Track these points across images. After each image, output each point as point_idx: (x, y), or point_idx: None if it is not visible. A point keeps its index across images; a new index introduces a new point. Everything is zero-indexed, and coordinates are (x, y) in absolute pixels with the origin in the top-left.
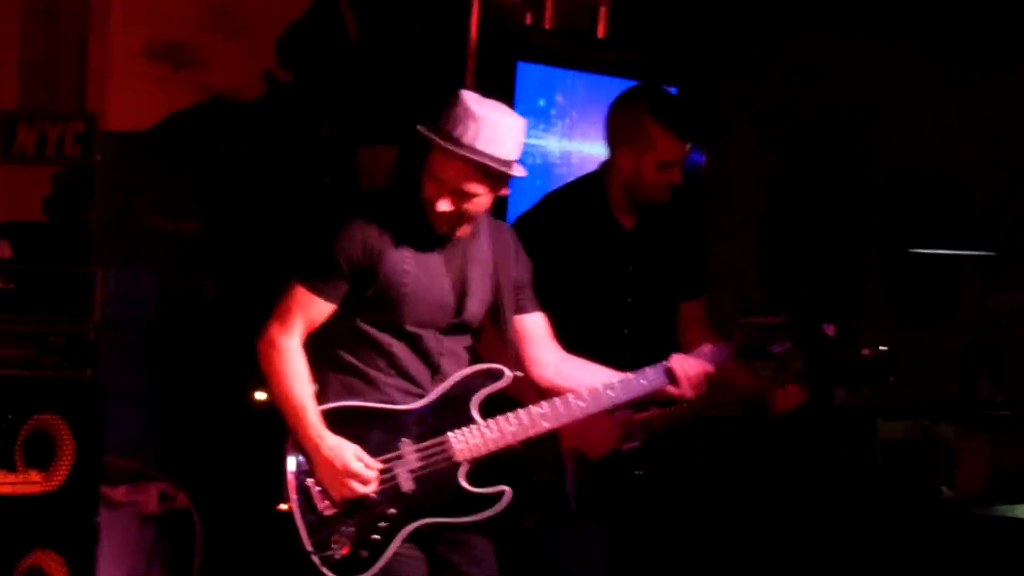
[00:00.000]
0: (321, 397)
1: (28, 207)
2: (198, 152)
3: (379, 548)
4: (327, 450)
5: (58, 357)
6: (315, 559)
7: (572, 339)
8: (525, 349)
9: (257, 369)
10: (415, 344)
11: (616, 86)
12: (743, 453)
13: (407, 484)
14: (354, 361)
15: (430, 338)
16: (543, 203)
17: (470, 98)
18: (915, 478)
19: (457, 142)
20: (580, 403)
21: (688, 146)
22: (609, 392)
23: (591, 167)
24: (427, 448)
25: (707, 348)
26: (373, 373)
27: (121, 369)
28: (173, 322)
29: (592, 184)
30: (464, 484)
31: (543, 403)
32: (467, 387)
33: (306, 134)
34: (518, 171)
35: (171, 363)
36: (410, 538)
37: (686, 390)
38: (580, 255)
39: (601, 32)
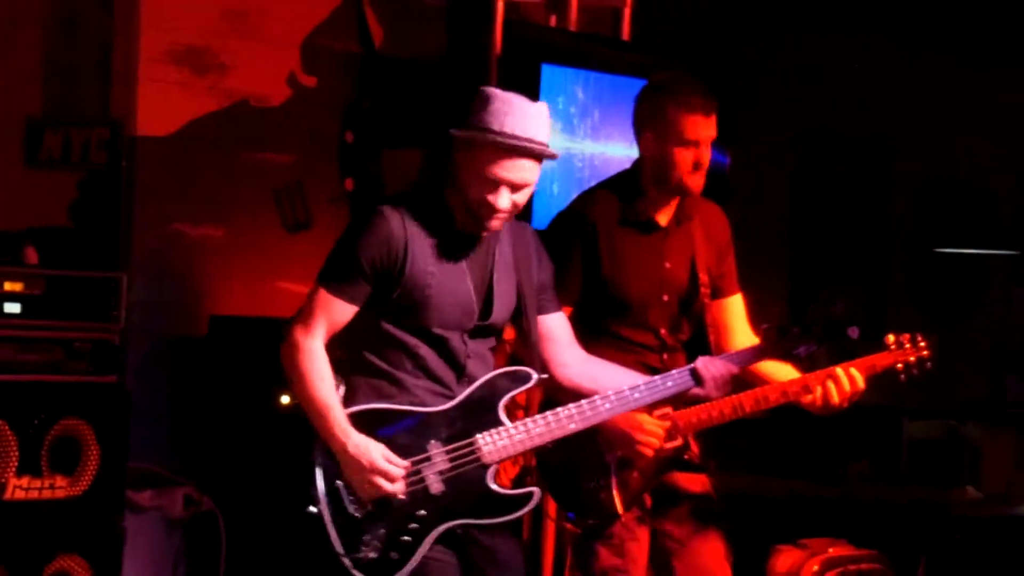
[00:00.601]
0: (349, 399)
1: (54, 213)
2: (223, 157)
3: (409, 549)
4: (353, 448)
5: (84, 363)
6: (346, 561)
7: (606, 337)
8: (548, 350)
9: (282, 374)
10: (441, 346)
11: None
12: (771, 452)
13: (436, 486)
14: (381, 363)
15: (456, 340)
16: (580, 200)
17: (498, 92)
18: (941, 477)
19: (512, 135)
20: (606, 405)
21: (711, 123)
22: (635, 394)
23: (613, 169)
24: (455, 450)
25: (733, 352)
26: (400, 375)
27: (147, 374)
28: (198, 327)
29: (627, 181)
30: (493, 486)
31: (570, 405)
32: (494, 389)
33: (330, 138)
34: (554, 151)
35: (196, 368)
36: (440, 540)
37: (711, 391)
38: (616, 252)
39: (625, 34)
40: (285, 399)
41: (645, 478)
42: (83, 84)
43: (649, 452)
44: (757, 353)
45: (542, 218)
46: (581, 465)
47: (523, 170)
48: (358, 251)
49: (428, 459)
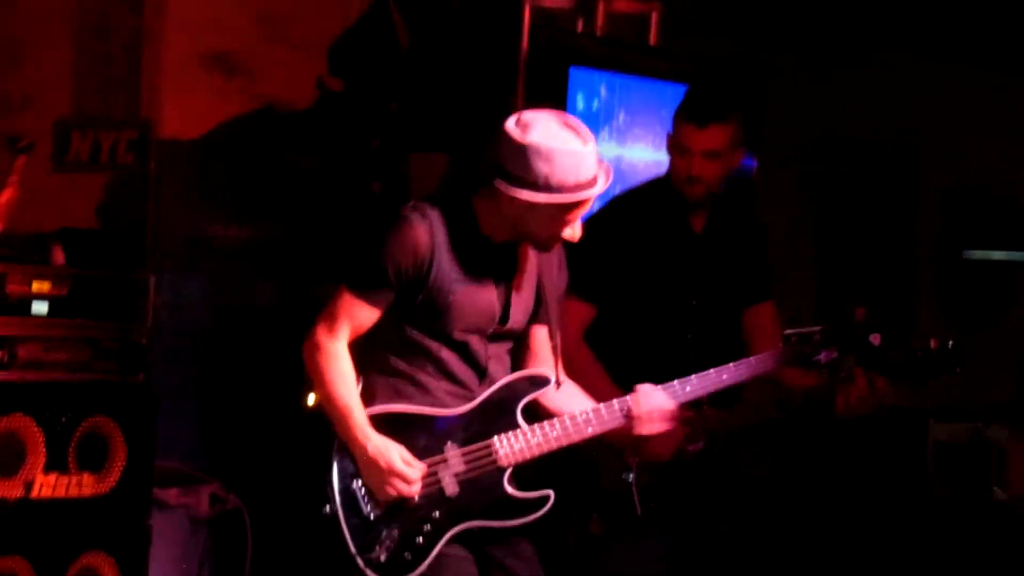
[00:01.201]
0: (367, 400)
1: (82, 214)
2: (250, 160)
3: (423, 551)
4: (373, 450)
5: (111, 362)
6: (359, 561)
7: (634, 340)
8: (528, 359)
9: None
10: (463, 350)
11: (666, 92)
12: (796, 454)
13: (452, 487)
14: (403, 365)
15: (476, 343)
16: (615, 202)
17: (541, 137)
18: (967, 480)
19: (574, 188)
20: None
21: (705, 136)
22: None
23: (639, 173)
24: (472, 452)
25: (753, 359)
26: (422, 377)
27: (173, 374)
28: (225, 328)
29: (663, 186)
30: (509, 489)
31: (588, 409)
32: (513, 392)
33: (357, 142)
34: (601, 186)
35: (223, 368)
36: (456, 539)
37: (640, 426)
38: (648, 256)
39: (652, 39)
40: (312, 398)
41: (663, 477)
42: (112, 87)
43: (666, 455)
44: (777, 360)
45: None
46: (604, 466)
47: (583, 209)
48: (384, 257)
49: (444, 461)
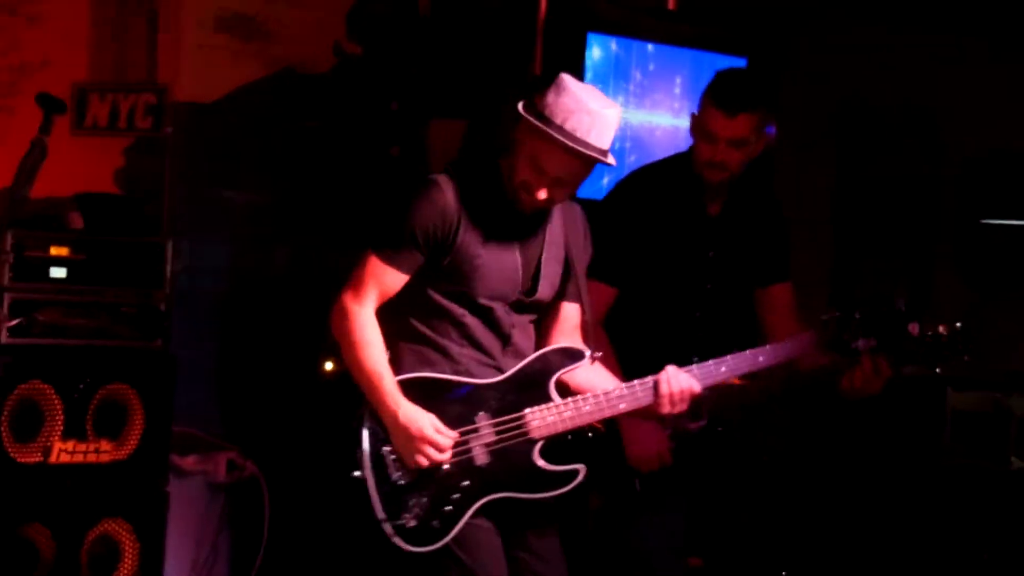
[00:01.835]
0: (394, 366)
1: (100, 179)
2: (268, 124)
3: (451, 519)
4: (404, 418)
5: (130, 327)
6: (386, 527)
7: (644, 317)
8: (554, 333)
9: (326, 339)
10: (487, 316)
11: (684, 57)
12: (812, 423)
13: (482, 458)
14: (427, 331)
15: (501, 311)
16: (633, 179)
17: (577, 87)
18: (985, 449)
19: (572, 136)
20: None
21: (733, 124)
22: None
23: (657, 138)
24: (504, 423)
25: (789, 341)
26: (445, 343)
27: (191, 339)
28: (243, 293)
29: (682, 165)
30: (539, 461)
31: (622, 385)
32: (547, 365)
33: (375, 106)
34: (612, 160)
35: (241, 333)
36: (482, 510)
37: (663, 407)
38: (663, 237)
39: (671, 4)
40: (329, 365)
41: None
42: (129, 50)
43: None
44: (814, 343)
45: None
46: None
47: (572, 170)
48: (412, 221)
49: (476, 430)
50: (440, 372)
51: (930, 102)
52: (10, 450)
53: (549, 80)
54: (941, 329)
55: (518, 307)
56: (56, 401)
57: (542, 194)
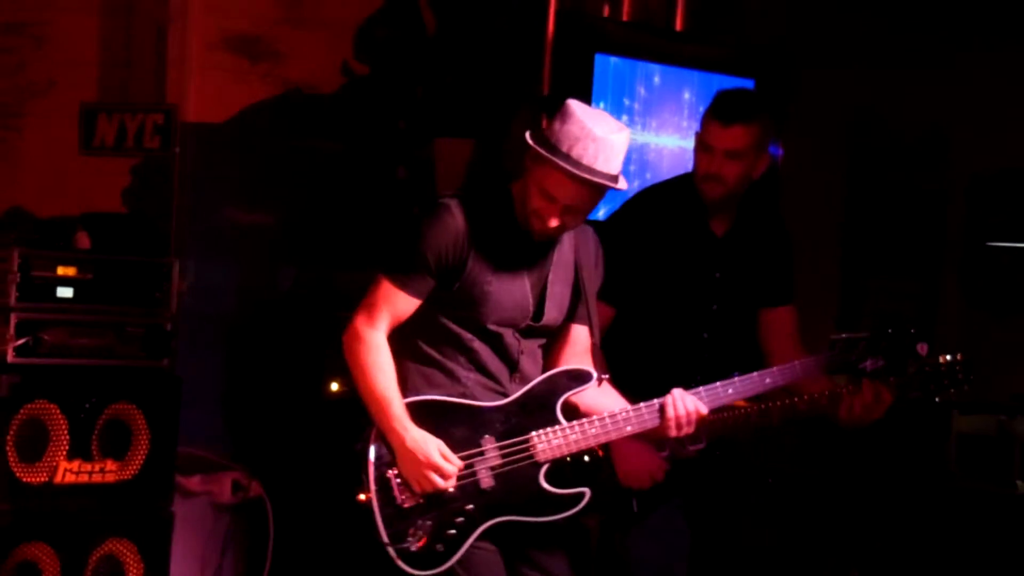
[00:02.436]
0: (401, 387)
1: (107, 198)
2: (275, 144)
3: (455, 543)
4: (411, 442)
5: (136, 347)
6: (391, 551)
7: (650, 339)
8: (562, 356)
9: (332, 361)
10: (496, 342)
11: (693, 78)
12: (817, 445)
13: (487, 481)
14: (435, 354)
15: (509, 337)
16: (638, 200)
17: (584, 113)
18: (990, 473)
19: (577, 163)
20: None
21: (728, 135)
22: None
23: (665, 160)
24: (509, 446)
25: (797, 363)
26: (453, 367)
27: (196, 360)
28: (249, 313)
29: (687, 186)
30: (545, 484)
31: (628, 408)
32: (553, 387)
33: (382, 127)
34: (623, 184)
35: (246, 354)
36: (487, 534)
37: (669, 430)
38: (669, 258)
39: (679, 25)
40: (334, 386)
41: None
42: (138, 70)
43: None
44: (822, 365)
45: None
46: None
47: (581, 197)
48: (424, 245)
49: (481, 454)
50: (446, 394)
51: (940, 121)
52: (16, 470)
53: (557, 101)
54: (942, 359)
55: (527, 332)
56: (62, 421)
57: (554, 222)
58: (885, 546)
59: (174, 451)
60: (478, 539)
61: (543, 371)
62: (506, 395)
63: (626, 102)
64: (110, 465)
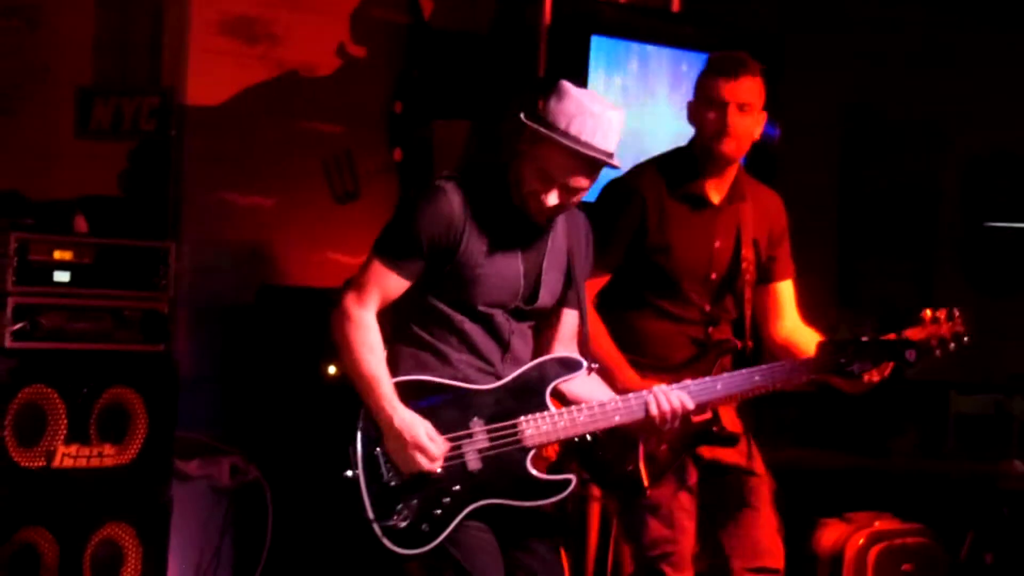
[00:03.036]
0: (392, 369)
1: (104, 182)
2: (272, 126)
3: (440, 523)
4: (400, 422)
5: (133, 331)
6: (376, 528)
7: (650, 309)
8: (551, 340)
9: (330, 344)
10: (487, 323)
11: (688, 59)
12: (817, 425)
13: (474, 463)
14: (426, 336)
15: (500, 318)
16: (632, 174)
17: (578, 92)
18: (988, 452)
19: (576, 139)
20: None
21: (739, 87)
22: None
23: (660, 142)
24: (498, 430)
25: (787, 363)
26: (444, 348)
27: (195, 343)
28: (247, 297)
29: (681, 157)
30: (531, 470)
31: (616, 398)
32: (544, 373)
33: (379, 109)
34: (619, 162)
35: (244, 337)
36: (480, 516)
37: (657, 425)
38: (665, 227)
39: (675, 6)
40: (332, 369)
41: (674, 452)
42: (134, 53)
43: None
44: (811, 368)
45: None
46: (608, 440)
47: (580, 175)
48: (417, 227)
49: (469, 435)
50: (437, 376)
51: (934, 104)
52: (13, 454)
53: (550, 83)
54: (942, 314)
55: (518, 314)
56: (60, 405)
57: (552, 199)
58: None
59: (172, 435)
60: (470, 519)
61: (533, 354)
62: (498, 376)
63: (618, 81)
64: (108, 449)
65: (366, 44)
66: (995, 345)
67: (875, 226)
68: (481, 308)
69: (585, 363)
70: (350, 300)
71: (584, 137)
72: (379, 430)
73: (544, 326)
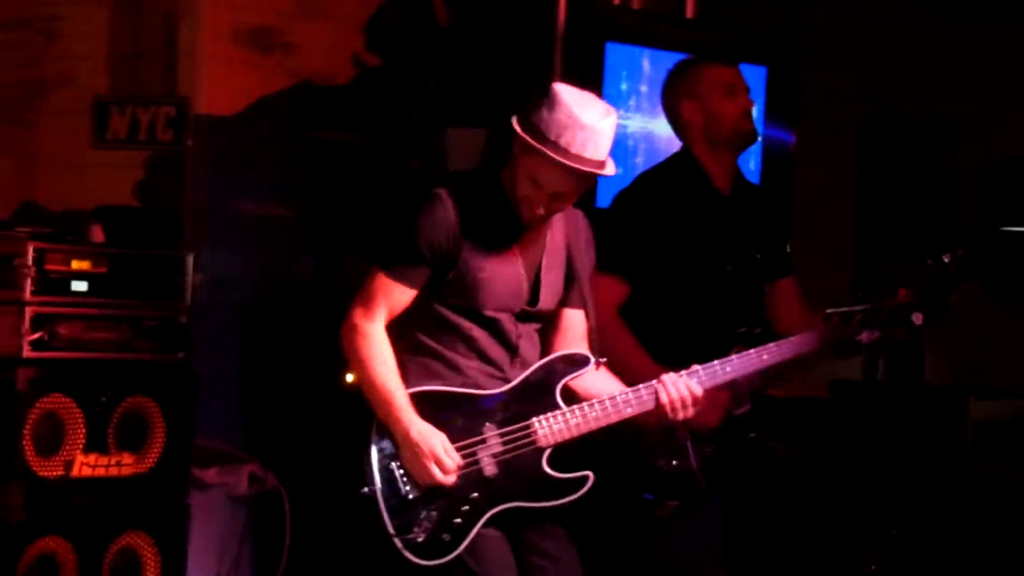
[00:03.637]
0: (401, 380)
1: (121, 191)
2: (288, 136)
3: (461, 532)
4: (416, 434)
5: (151, 341)
6: (397, 542)
7: (674, 313)
8: (559, 342)
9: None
10: (494, 328)
11: None
12: (834, 432)
13: (490, 468)
14: (434, 344)
15: (507, 322)
16: (641, 181)
17: (570, 99)
18: (1007, 458)
19: (565, 152)
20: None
21: (741, 74)
22: (696, 376)
23: (667, 144)
24: (511, 433)
25: (794, 339)
26: (453, 356)
27: (212, 352)
28: (264, 305)
29: (684, 158)
30: (547, 469)
31: (628, 390)
32: (551, 372)
33: (395, 117)
34: (611, 170)
35: (262, 346)
36: (492, 521)
37: (665, 415)
38: (680, 225)
39: (690, 12)
40: (350, 377)
41: (716, 444)
42: (149, 63)
43: (712, 422)
44: (819, 340)
45: (604, 195)
46: (652, 445)
47: (570, 184)
48: (417, 235)
49: (483, 441)
50: (447, 385)
51: (952, 108)
52: (32, 464)
53: (544, 88)
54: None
55: (523, 317)
56: (78, 414)
57: (541, 210)
58: (904, 533)
59: (190, 444)
60: (486, 526)
61: (541, 356)
62: (508, 380)
63: (633, 87)
64: (126, 458)
65: (381, 53)
66: (1013, 350)
67: (891, 230)
68: (488, 313)
69: (592, 358)
70: (358, 314)
71: (574, 149)
72: (394, 443)
73: (550, 328)
